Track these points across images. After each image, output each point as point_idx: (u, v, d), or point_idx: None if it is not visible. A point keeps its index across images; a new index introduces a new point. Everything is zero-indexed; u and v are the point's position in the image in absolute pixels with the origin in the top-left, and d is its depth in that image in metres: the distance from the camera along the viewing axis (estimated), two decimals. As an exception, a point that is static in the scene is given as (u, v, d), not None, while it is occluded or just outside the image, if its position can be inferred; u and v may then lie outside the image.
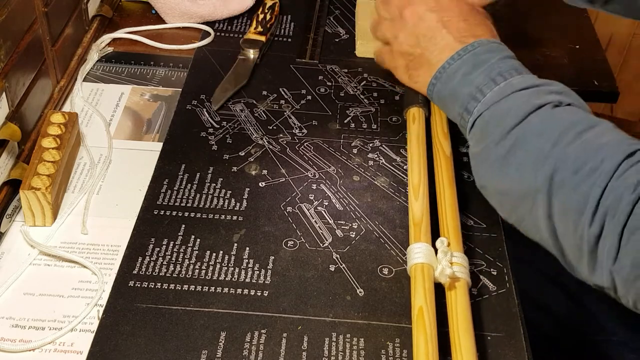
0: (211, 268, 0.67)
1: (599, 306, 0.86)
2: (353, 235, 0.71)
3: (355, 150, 0.80)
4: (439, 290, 0.64)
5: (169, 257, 0.68)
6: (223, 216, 0.72)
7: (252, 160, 0.78)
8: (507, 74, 0.69)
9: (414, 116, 0.80)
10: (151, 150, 0.81)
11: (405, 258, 0.69)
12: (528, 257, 0.86)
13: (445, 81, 0.74)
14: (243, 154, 0.79)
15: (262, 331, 0.62)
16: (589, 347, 0.85)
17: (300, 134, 0.82)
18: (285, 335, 0.62)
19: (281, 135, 0.82)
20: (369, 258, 0.69)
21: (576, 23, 1.06)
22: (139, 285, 0.65)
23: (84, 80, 0.90)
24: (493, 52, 0.72)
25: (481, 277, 0.68)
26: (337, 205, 0.74)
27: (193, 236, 0.70)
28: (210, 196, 0.74)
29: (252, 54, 0.92)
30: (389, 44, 0.83)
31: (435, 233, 0.68)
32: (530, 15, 1.07)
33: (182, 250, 0.68)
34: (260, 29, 0.95)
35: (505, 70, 0.69)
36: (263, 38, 0.94)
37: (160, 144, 0.80)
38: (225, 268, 0.67)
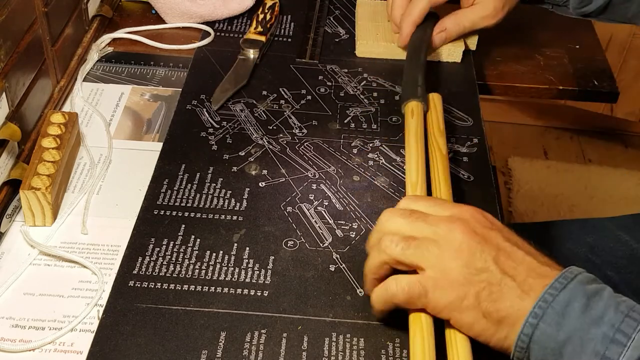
0: (211, 268, 0.67)
1: None
2: (353, 235, 0.71)
3: (355, 150, 0.80)
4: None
5: (169, 257, 0.68)
6: (223, 216, 0.72)
7: (252, 160, 0.78)
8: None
9: (413, 111, 0.79)
10: (151, 150, 0.81)
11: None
12: None
13: (554, 320, 0.54)
14: (243, 154, 0.79)
15: (262, 331, 0.62)
16: None
17: (300, 134, 0.82)
18: (285, 335, 0.62)
19: (281, 135, 0.82)
20: (369, 258, 0.69)
21: (576, 23, 1.06)
22: (139, 285, 0.65)
23: (84, 80, 0.90)
24: (593, 281, 0.56)
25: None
26: (337, 205, 0.74)
27: (193, 236, 0.70)
28: (210, 196, 0.74)
29: (252, 54, 0.92)
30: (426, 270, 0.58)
31: None
32: (531, 15, 1.07)
33: (182, 250, 0.68)
34: (260, 29, 0.95)
35: (630, 306, 0.54)
36: (263, 38, 0.94)
37: (160, 144, 0.80)
38: (225, 268, 0.67)
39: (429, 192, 0.71)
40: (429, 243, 0.57)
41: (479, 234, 0.57)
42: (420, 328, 0.59)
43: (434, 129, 0.77)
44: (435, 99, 0.81)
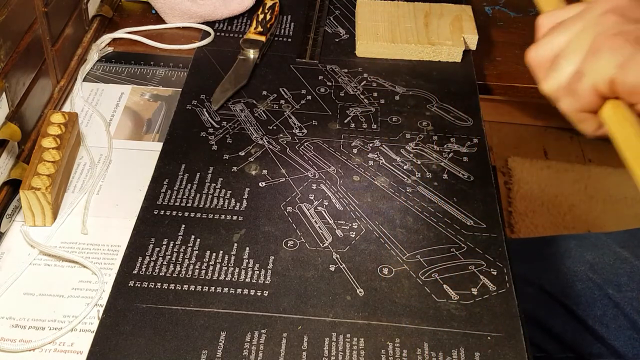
0: (211, 268, 0.67)
1: (603, 328, 0.85)
2: (353, 235, 0.71)
3: (355, 150, 0.80)
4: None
5: (169, 257, 0.68)
6: (223, 216, 0.72)
7: (252, 160, 0.78)
8: None
9: None
10: (151, 150, 0.81)
11: (405, 258, 0.69)
12: (533, 278, 0.86)
13: None
14: (243, 154, 0.79)
15: (262, 331, 0.62)
16: None
17: (300, 134, 0.82)
18: (285, 335, 0.62)
19: (281, 135, 0.82)
20: (369, 258, 0.69)
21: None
22: (139, 285, 0.65)
23: (84, 80, 0.90)
24: None
25: (481, 277, 0.68)
26: (337, 205, 0.74)
27: (193, 236, 0.70)
28: (210, 196, 0.74)
29: (252, 54, 0.92)
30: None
31: None
32: (531, 14, 1.07)
33: (182, 250, 0.68)
34: (260, 29, 0.95)
35: None
36: (263, 38, 0.94)
37: (160, 144, 0.80)
38: (225, 268, 0.67)
39: None
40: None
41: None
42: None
43: None
44: None
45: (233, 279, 0.66)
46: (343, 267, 0.68)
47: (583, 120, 0.54)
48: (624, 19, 0.51)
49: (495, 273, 0.68)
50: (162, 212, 0.72)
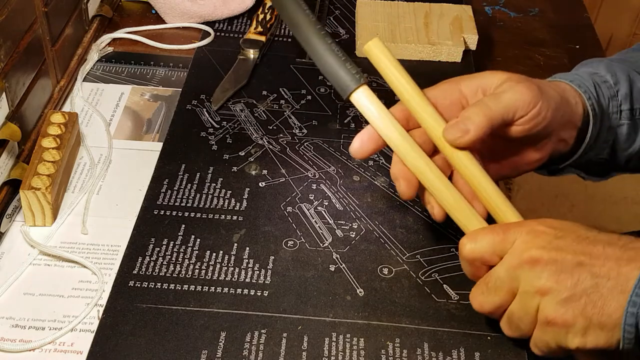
0: (211, 268, 0.67)
1: None
2: (353, 235, 0.71)
3: (355, 150, 0.80)
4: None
5: (169, 257, 0.68)
6: (223, 216, 0.72)
7: (252, 160, 0.78)
8: None
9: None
10: (151, 150, 0.81)
11: (405, 258, 0.69)
12: None
13: None
14: (243, 154, 0.79)
15: (262, 331, 0.62)
16: None
17: (300, 134, 0.82)
18: (285, 335, 0.62)
19: (281, 135, 0.82)
20: (369, 258, 0.69)
21: (576, 23, 1.06)
22: (139, 285, 0.65)
23: (84, 80, 0.90)
24: None
25: (481, 277, 0.67)
26: (337, 205, 0.74)
27: (193, 236, 0.70)
28: (210, 196, 0.74)
29: (252, 54, 0.92)
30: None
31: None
32: (530, 15, 1.07)
33: (182, 250, 0.68)
34: (260, 29, 0.95)
35: None
36: (263, 38, 0.94)
37: (160, 144, 0.80)
38: (225, 268, 0.67)
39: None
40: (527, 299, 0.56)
41: (552, 259, 0.55)
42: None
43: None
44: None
45: (233, 279, 0.66)
46: (343, 267, 0.68)
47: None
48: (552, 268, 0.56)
49: (495, 273, 0.68)
50: (162, 212, 0.72)
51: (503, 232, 0.57)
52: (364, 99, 0.63)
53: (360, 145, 0.63)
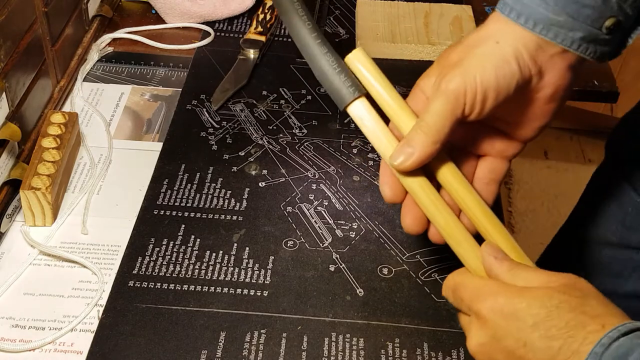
0: (211, 268, 0.67)
1: None
2: (353, 235, 0.71)
3: (355, 150, 0.80)
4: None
5: (169, 257, 0.68)
6: (223, 216, 0.72)
7: (252, 160, 0.78)
8: None
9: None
10: (151, 150, 0.81)
11: (405, 258, 0.69)
12: None
13: None
14: (243, 154, 0.79)
15: (262, 331, 0.62)
16: None
17: (300, 134, 0.82)
18: (285, 335, 0.62)
19: (281, 135, 0.82)
20: (368, 258, 0.69)
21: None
22: (138, 285, 0.65)
23: (84, 80, 0.90)
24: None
25: (481, 277, 0.67)
26: (337, 205, 0.74)
27: (193, 236, 0.70)
28: (210, 196, 0.74)
29: (252, 54, 0.92)
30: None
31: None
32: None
33: (182, 250, 0.68)
34: (260, 29, 0.95)
35: None
36: (263, 38, 0.94)
37: (160, 144, 0.80)
38: (225, 268, 0.67)
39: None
40: None
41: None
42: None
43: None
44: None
45: (233, 279, 0.66)
46: (343, 267, 0.68)
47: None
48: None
49: (495, 273, 0.68)
50: (162, 212, 0.72)
51: (469, 300, 0.54)
52: (359, 112, 0.60)
53: (391, 191, 0.60)
